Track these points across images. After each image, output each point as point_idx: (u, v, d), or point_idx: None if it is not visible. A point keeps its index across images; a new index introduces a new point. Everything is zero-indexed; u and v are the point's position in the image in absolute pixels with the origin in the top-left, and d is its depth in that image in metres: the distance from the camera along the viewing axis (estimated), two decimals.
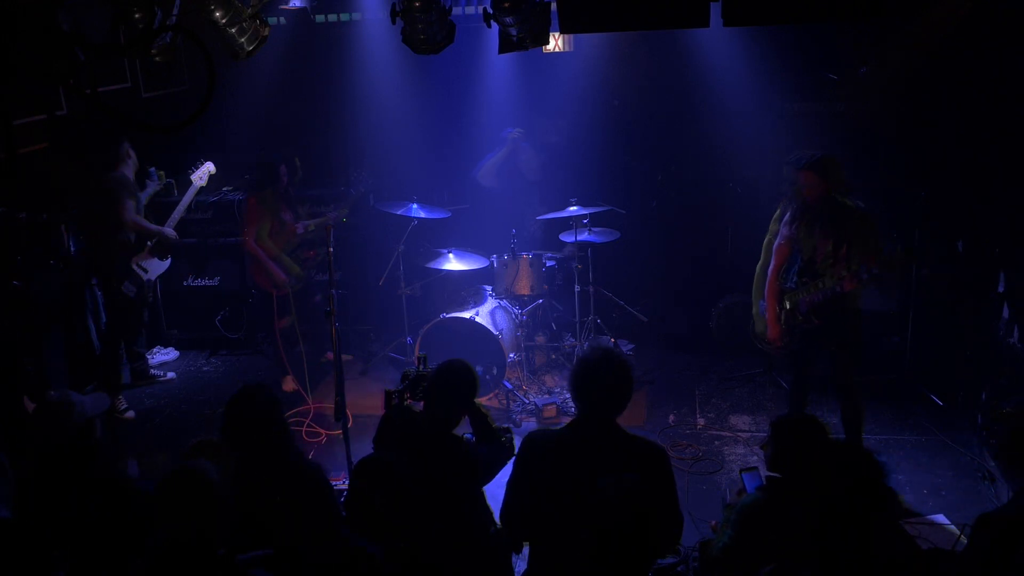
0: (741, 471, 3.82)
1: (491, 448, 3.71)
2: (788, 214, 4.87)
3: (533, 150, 7.14)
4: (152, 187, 6.64)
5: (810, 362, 5.06)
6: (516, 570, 3.71)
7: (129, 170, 6.10)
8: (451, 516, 3.45)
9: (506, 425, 3.97)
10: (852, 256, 4.55)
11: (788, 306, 4.86)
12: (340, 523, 3.33)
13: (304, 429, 5.89)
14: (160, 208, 7.24)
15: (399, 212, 6.40)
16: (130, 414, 6.19)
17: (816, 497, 2.57)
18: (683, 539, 3.85)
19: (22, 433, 4.16)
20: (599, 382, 3.09)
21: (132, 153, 6.15)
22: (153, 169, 7.20)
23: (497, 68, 7.15)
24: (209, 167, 6.56)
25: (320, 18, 7.16)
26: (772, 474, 3.33)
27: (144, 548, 2.91)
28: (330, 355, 6.11)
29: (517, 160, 7.14)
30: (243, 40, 4.50)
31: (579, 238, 6.35)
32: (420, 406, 3.73)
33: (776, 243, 4.96)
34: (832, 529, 2.46)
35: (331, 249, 4.86)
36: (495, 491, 3.70)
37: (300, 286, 6.39)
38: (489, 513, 3.70)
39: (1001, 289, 5.66)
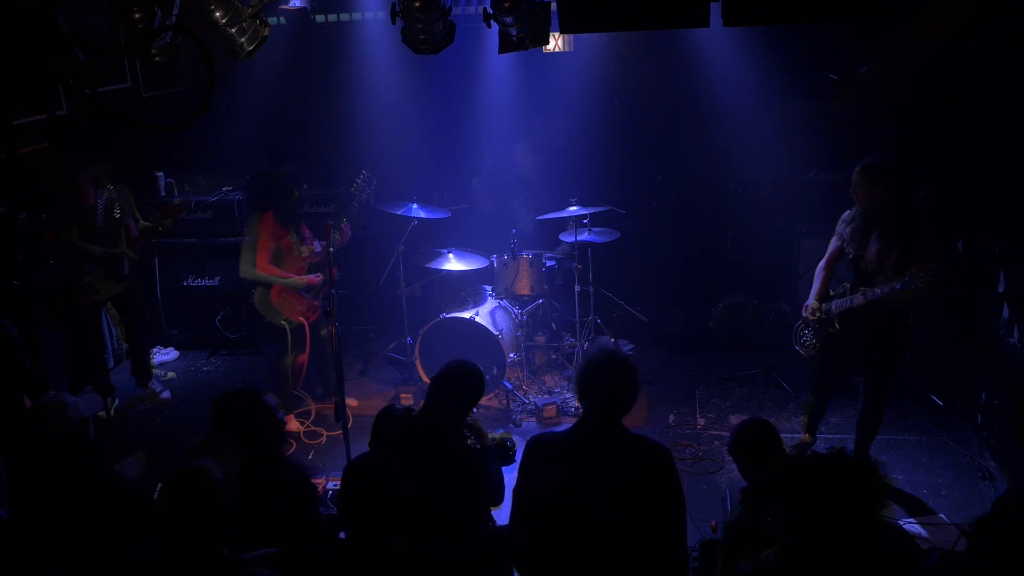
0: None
1: (495, 464, 3.69)
2: (849, 212, 4.78)
3: (529, 149, 7.15)
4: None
5: (842, 372, 4.99)
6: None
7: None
8: (448, 514, 3.44)
9: (507, 431, 3.98)
10: (899, 272, 4.46)
11: (820, 311, 4.80)
12: (320, 524, 3.34)
13: (304, 429, 5.89)
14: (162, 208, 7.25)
15: (399, 212, 6.40)
16: (166, 394, 6.45)
17: (788, 499, 2.55)
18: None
19: (20, 433, 4.16)
20: (605, 382, 3.08)
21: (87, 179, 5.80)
22: (161, 174, 7.20)
23: (497, 68, 7.16)
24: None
25: (320, 18, 7.17)
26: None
27: (138, 547, 2.92)
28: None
29: (512, 160, 7.17)
30: (243, 40, 4.49)
31: (579, 238, 6.35)
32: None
33: (833, 239, 4.88)
34: (808, 531, 2.43)
35: (331, 249, 4.87)
36: None
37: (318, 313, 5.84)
38: (487, 511, 3.70)
39: (1001, 289, 5.65)
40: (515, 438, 4.03)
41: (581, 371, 3.16)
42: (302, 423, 5.93)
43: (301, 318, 5.77)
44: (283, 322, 5.71)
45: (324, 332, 5.97)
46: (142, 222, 6.13)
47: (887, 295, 4.43)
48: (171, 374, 6.92)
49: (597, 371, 3.10)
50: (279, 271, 5.69)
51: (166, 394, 6.44)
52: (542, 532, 2.40)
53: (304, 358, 5.84)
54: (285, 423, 3.54)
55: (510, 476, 3.64)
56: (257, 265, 5.65)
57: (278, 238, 5.67)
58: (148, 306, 6.75)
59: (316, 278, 5.75)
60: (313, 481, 3.57)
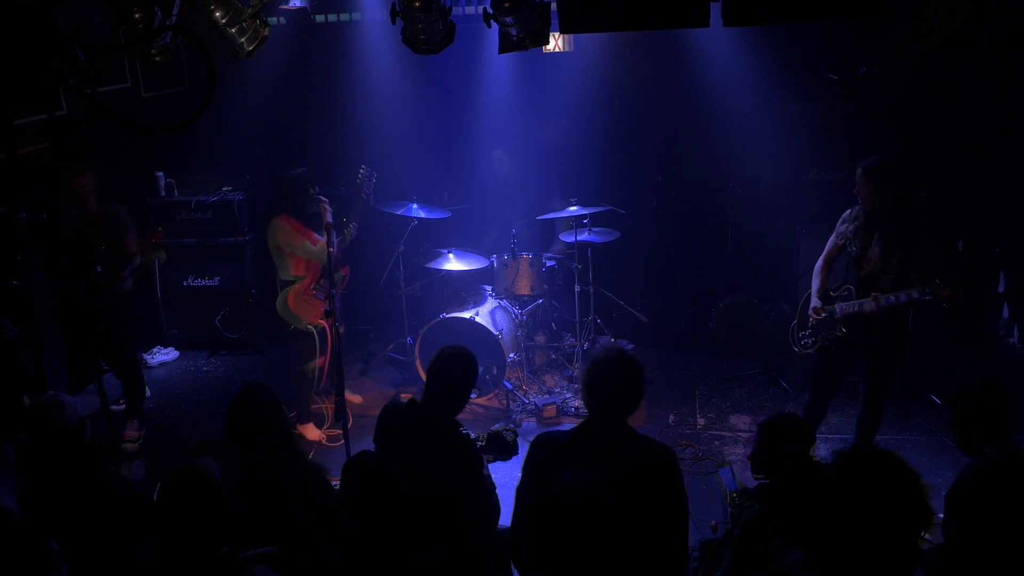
0: (717, 466, 3.82)
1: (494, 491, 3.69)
2: (850, 211, 4.74)
3: (505, 155, 7.22)
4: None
5: (841, 372, 4.93)
6: None
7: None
8: (446, 507, 3.44)
9: (510, 425, 3.98)
10: (902, 274, 4.43)
11: (825, 312, 4.75)
12: (340, 523, 3.33)
13: (325, 436, 5.85)
14: (164, 209, 7.25)
15: (399, 212, 6.40)
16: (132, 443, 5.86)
17: (808, 501, 2.51)
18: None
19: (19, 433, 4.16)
20: (611, 382, 3.08)
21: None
22: (161, 174, 7.18)
23: (497, 68, 7.16)
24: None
25: (320, 18, 7.17)
26: (760, 479, 3.33)
27: (136, 548, 2.92)
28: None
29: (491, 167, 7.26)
30: (243, 40, 4.50)
31: (579, 238, 6.35)
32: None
33: (832, 237, 4.85)
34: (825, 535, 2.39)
35: (331, 249, 4.86)
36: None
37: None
38: (489, 508, 3.69)
39: (1001, 289, 5.66)
40: (517, 431, 4.01)
41: (588, 370, 3.14)
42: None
43: (321, 321, 5.58)
44: (308, 327, 5.57)
45: (342, 330, 5.71)
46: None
47: (903, 304, 4.36)
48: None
49: (604, 370, 3.10)
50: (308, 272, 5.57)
51: (133, 445, 5.81)
52: (547, 532, 2.39)
53: (322, 362, 5.73)
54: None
55: (510, 474, 3.64)
56: (293, 269, 5.53)
57: (306, 236, 5.52)
58: (148, 306, 6.74)
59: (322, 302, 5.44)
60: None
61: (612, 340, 6.69)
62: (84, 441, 3.53)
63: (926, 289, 4.24)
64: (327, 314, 4.69)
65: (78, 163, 5.60)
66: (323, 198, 5.10)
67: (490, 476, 3.69)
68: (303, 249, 5.50)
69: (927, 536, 3.40)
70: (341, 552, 2.90)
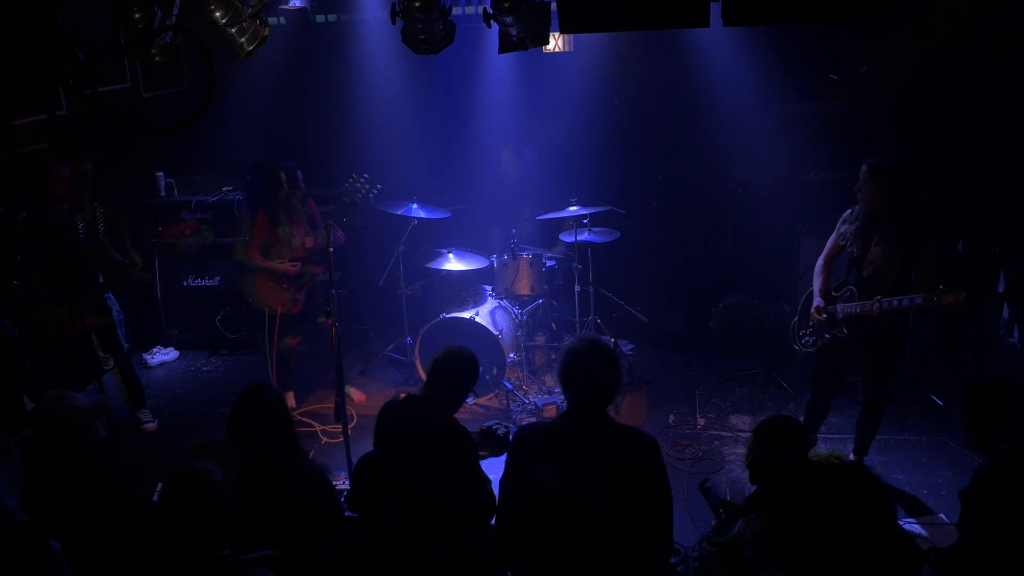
0: (700, 488, 3.82)
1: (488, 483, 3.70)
2: (850, 212, 4.72)
3: (514, 157, 7.30)
4: None
5: (842, 371, 4.91)
6: None
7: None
8: (449, 506, 3.44)
9: (505, 423, 3.98)
10: (904, 275, 4.40)
11: (827, 312, 4.73)
12: (342, 524, 3.34)
13: (320, 429, 5.88)
14: (164, 209, 7.26)
15: (399, 212, 6.40)
16: (151, 425, 6.06)
17: (799, 508, 2.51)
18: (683, 539, 3.87)
19: (21, 432, 4.16)
20: (587, 371, 3.09)
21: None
22: (161, 174, 7.20)
23: (497, 68, 7.16)
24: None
25: (320, 18, 7.18)
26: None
27: (136, 548, 2.92)
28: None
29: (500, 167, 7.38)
30: (243, 40, 4.50)
31: (579, 238, 6.35)
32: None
33: (832, 237, 4.83)
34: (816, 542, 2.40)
35: (331, 249, 4.86)
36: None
37: (305, 307, 5.97)
38: (485, 503, 3.69)
39: (1001, 289, 5.66)
40: (509, 427, 4.00)
41: (563, 360, 3.16)
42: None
43: (278, 307, 5.87)
44: (267, 310, 5.88)
45: (321, 320, 5.93)
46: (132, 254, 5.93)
47: (906, 308, 4.34)
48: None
49: (578, 360, 3.12)
50: (262, 259, 5.85)
51: (152, 424, 6.04)
52: (531, 523, 2.40)
53: (293, 343, 5.99)
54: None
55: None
56: (247, 253, 5.88)
57: (268, 232, 5.82)
58: (148, 306, 6.74)
59: (294, 267, 5.83)
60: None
61: (612, 340, 6.68)
62: (95, 440, 3.52)
63: (930, 296, 4.22)
64: (327, 313, 4.69)
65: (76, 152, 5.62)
66: (330, 222, 5.22)
67: (483, 470, 3.70)
68: (239, 246, 5.96)
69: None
70: (342, 552, 2.90)
